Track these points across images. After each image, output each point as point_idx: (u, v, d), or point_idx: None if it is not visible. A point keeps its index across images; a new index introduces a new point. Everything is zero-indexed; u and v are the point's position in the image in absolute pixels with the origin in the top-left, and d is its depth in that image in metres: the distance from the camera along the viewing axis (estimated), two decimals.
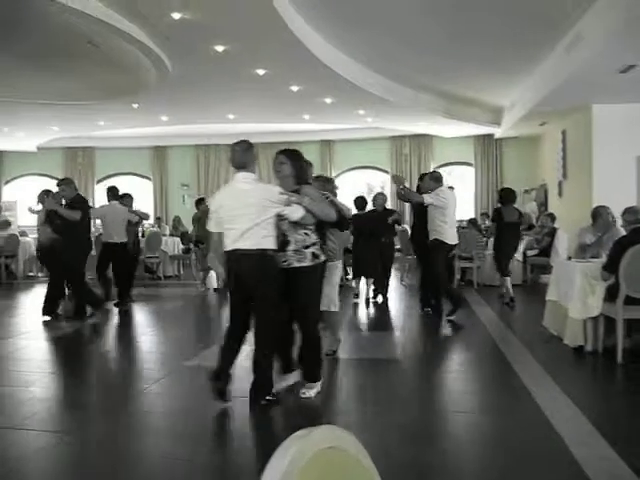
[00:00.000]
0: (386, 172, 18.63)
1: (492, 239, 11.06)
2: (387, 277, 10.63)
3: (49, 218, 9.19)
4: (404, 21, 9.01)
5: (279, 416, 4.89)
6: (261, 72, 11.01)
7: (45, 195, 9.64)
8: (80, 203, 9.19)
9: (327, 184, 6.81)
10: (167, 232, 16.17)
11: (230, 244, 4.91)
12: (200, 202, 12.78)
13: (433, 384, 5.80)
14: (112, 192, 10.26)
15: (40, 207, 9.80)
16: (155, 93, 12.33)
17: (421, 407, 5.00)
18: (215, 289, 12.39)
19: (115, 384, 5.91)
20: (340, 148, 19.31)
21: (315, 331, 5.22)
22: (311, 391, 5.16)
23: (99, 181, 20.92)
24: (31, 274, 15.63)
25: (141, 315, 10.47)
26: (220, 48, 9.66)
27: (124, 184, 20.77)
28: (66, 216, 8.87)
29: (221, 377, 4.97)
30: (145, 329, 9.34)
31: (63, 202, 9.16)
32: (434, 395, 5.41)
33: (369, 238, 10.08)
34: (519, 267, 12.14)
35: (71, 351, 7.59)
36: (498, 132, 16.58)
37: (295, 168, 5.21)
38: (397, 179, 9.09)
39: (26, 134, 17.82)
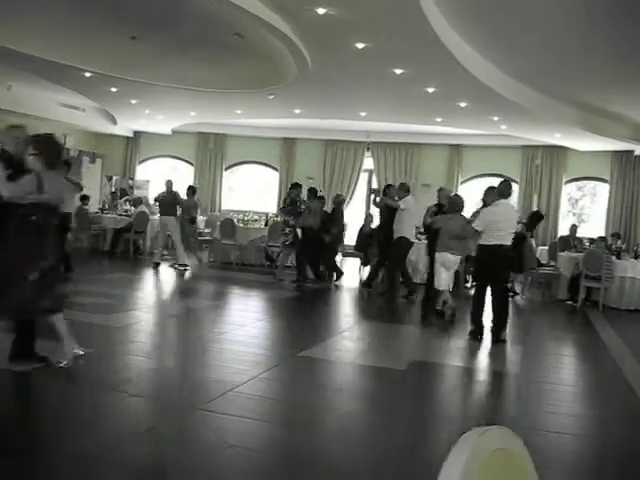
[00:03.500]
0: (515, 182, 18.13)
1: None
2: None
3: None
4: (550, 28, 8.72)
5: None
6: (398, 71, 10.94)
7: None
8: None
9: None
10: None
11: (495, 241, 7.75)
12: (192, 190, 14.31)
13: (548, 405, 5.60)
14: None
15: None
16: (292, 86, 12.48)
17: (536, 428, 4.85)
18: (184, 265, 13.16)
19: (228, 367, 6.04)
20: (469, 154, 18.96)
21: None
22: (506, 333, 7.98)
23: (227, 168, 21.46)
24: (156, 251, 16.23)
25: (258, 302, 10.69)
26: (360, 45, 9.66)
27: (251, 173, 21.35)
28: None
29: (478, 327, 7.96)
30: (261, 316, 9.53)
31: None
32: (549, 417, 5.22)
33: None
34: None
35: (187, 329, 7.86)
36: (639, 149, 15.81)
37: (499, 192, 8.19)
38: (376, 192, 12.09)
39: (164, 117, 18.50)
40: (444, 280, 9.03)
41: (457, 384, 5.92)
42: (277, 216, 16.84)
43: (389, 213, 11.18)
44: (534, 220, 12.95)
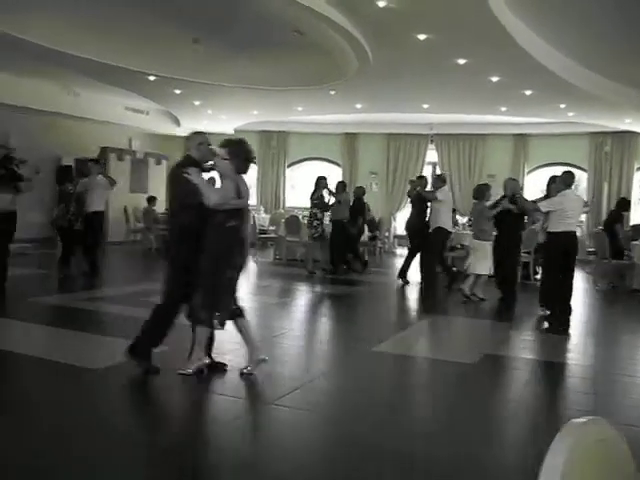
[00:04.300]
0: (584, 170, 17.70)
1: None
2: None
3: None
4: (618, 11, 8.46)
5: None
6: (461, 62, 10.81)
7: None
8: None
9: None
10: None
11: (566, 227, 8.11)
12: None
13: (627, 398, 5.44)
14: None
15: None
16: (353, 81, 12.48)
17: (616, 422, 4.71)
18: None
19: (298, 363, 6.05)
20: (535, 143, 18.58)
21: None
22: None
23: (290, 165, 21.55)
24: None
25: (323, 298, 10.70)
26: (422, 37, 9.58)
27: (314, 169, 21.35)
28: None
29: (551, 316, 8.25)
30: (327, 311, 9.54)
31: None
32: (628, 411, 5.07)
33: None
34: None
35: (256, 326, 7.92)
36: None
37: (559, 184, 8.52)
38: (414, 183, 12.30)
39: (227, 117, 18.70)
40: (471, 265, 9.87)
41: (531, 378, 5.80)
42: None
43: (421, 204, 11.39)
44: (621, 208, 12.56)
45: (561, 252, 8.21)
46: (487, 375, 5.95)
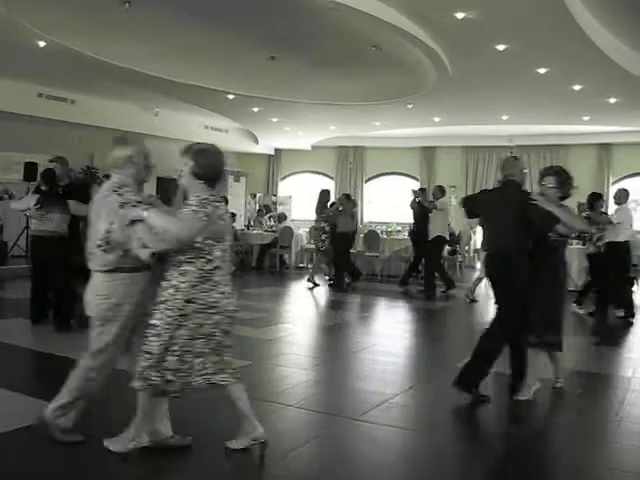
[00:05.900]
0: None
1: None
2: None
3: None
4: None
5: None
6: (542, 71, 10.57)
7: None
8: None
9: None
10: None
11: (625, 237, 9.21)
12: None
13: None
14: None
15: None
16: (431, 93, 12.37)
17: None
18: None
19: (382, 378, 5.99)
20: (620, 152, 17.98)
21: None
22: None
23: (367, 180, 21.50)
24: (301, 265, 16.56)
25: (404, 313, 10.60)
26: (501, 47, 9.42)
27: (392, 183, 21.23)
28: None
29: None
30: (409, 326, 9.43)
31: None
32: None
33: None
34: None
35: (337, 341, 7.90)
36: None
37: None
38: (417, 193, 12.53)
39: (304, 133, 18.83)
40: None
41: (630, 395, 5.57)
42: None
43: (421, 215, 12.10)
44: None
45: (622, 258, 9.37)
46: (582, 393, 5.73)
